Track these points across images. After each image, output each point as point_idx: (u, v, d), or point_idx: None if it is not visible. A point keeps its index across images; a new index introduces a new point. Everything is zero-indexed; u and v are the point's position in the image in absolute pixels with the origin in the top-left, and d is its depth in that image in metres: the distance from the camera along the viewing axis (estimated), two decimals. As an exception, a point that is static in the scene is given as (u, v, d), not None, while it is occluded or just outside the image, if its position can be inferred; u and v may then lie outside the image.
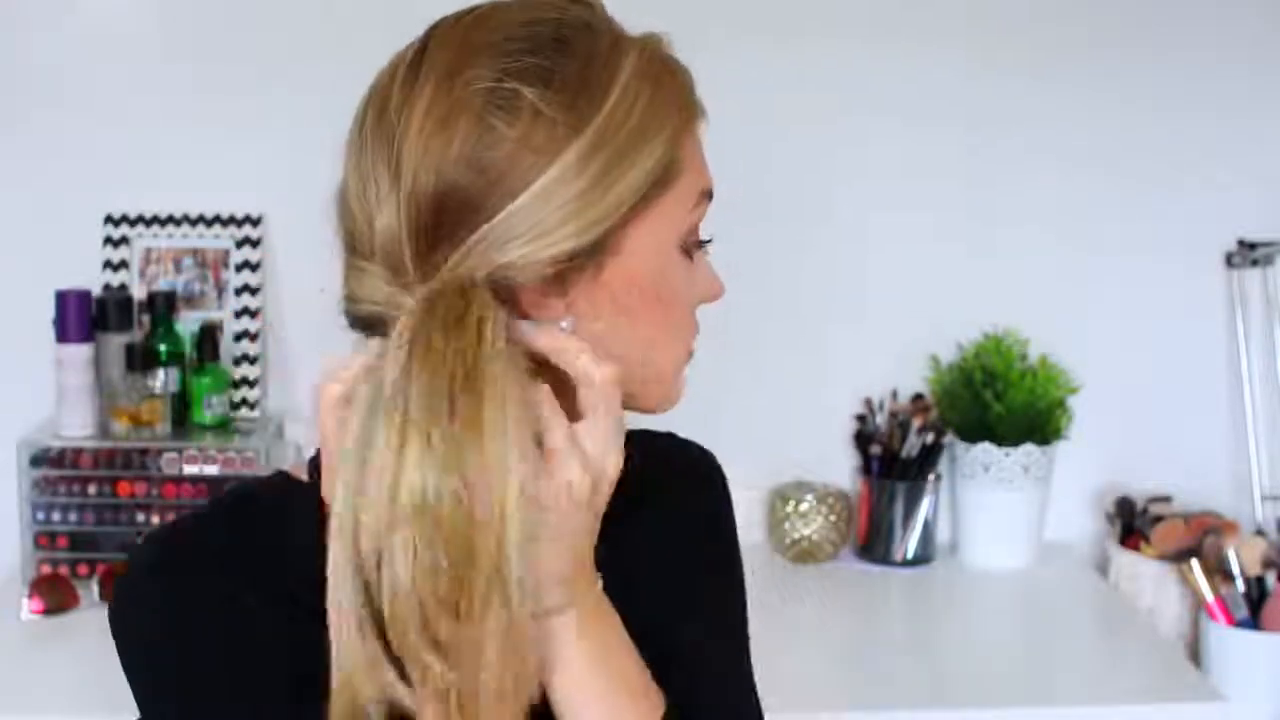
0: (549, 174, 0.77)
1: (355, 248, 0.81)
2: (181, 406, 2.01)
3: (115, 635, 0.83)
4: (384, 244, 0.78)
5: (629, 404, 0.85)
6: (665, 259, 0.83)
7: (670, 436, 1.00)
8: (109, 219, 2.08)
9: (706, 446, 1.03)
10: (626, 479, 0.81)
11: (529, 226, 0.77)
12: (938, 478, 2.16)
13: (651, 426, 0.95)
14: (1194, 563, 2.00)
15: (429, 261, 0.78)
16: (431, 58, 0.80)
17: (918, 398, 2.19)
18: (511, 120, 0.77)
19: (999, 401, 2.12)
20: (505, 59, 0.78)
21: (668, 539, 0.94)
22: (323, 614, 0.80)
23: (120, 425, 1.96)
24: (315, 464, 0.89)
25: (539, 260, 0.77)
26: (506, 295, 0.78)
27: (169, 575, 0.83)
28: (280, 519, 0.86)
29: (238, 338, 2.09)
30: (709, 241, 0.87)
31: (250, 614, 0.81)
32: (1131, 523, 2.15)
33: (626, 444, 0.81)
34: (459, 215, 0.77)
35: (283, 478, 0.91)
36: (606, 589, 0.83)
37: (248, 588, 0.82)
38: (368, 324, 0.81)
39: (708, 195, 0.85)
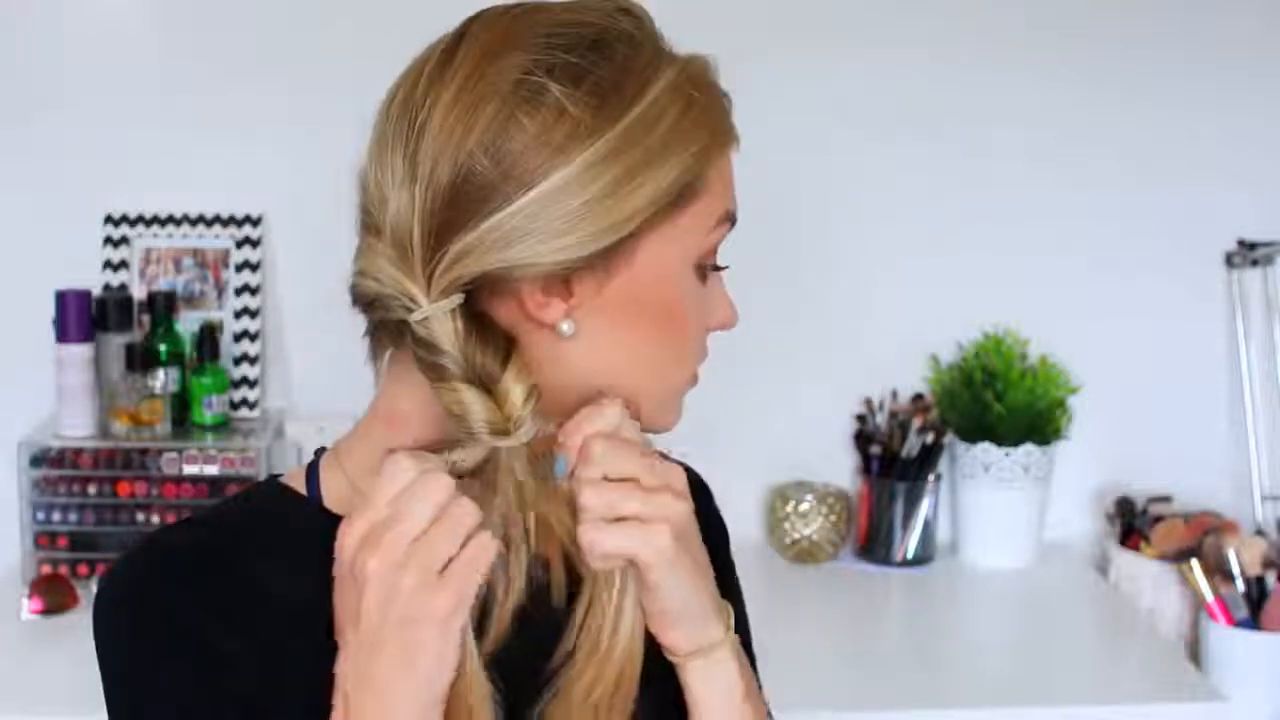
0: (563, 173, 0.76)
1: (368, 224, 0.81)
2: (181, 406, 2.01)
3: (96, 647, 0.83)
4: (395, 225, 0.78)
5: None
6: (678, 277, 0.82)
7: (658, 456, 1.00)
8: (109, 219, 2.07)
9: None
10: None
11: (539, 225, 0.76)
12: (938, 478, 2.16)
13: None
14: (1194, 563, 2.00)
15: (438, 248, 0.77)
16: (469, 44, 0.79)
17: (918, 398, 2.19)
18: (534, 113, 0.77)
19: (999, 401, 2.12)
20: (540, 53, 0.78)
21: None
22: (295, 646, 0.80)
23: (120, 425, 1.96)
24: (314, 468, 0.88)
25: (546, 261, 0.77)
26: (510, 290, 0.78)
27: (132, 605, 0.81)
28: (263, 544, 0.84)
29: (238, 338, 2.09)
30: (724, 267, 0.86)
31: (211, 649, 0.80)
32: (1131, 523, 2.15)
33: None
34: (471, 203, 0.77)
35: (276, 491, 0.88)
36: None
37: (215, 620, 0.80)
38: (369, 302, 0.81)
39: (730, 219, 0.84)
